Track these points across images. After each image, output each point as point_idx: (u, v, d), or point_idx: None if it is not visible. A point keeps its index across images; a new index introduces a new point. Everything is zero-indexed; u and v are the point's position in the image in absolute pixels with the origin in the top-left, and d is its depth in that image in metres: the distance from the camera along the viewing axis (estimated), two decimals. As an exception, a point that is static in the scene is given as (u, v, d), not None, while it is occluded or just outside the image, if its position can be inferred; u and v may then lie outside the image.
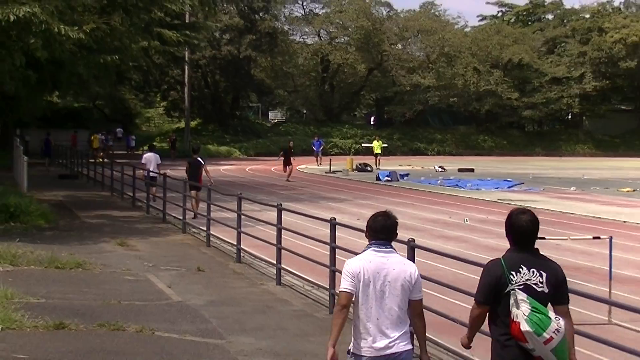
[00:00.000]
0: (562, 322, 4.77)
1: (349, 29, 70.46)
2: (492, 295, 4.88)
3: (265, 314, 10.13)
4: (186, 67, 56.48)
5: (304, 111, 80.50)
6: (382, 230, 5.29)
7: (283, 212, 12.46)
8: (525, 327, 4.70)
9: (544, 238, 8.74)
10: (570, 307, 4.95)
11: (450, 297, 9.81)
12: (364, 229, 5.43)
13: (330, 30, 72.12)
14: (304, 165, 44.58)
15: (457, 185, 32.60)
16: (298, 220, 14.62)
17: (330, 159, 42.84)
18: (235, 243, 14.23)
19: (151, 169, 22.57)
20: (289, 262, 12.25)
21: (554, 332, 4.70)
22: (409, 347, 5.26)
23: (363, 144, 61.55)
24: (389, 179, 34.77)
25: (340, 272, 5.67)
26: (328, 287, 10.30)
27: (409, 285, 5.21)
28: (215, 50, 62.02)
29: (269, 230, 13.86)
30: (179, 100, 62.67)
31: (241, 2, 63.73)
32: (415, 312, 5.29)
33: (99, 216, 20.31)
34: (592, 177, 38.19)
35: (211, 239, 15.97)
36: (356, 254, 5.47)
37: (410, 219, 20.50)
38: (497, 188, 31.23)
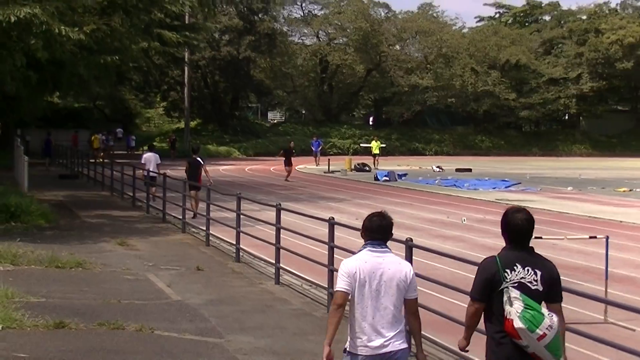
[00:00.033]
0: (555, 318, 4.82)
1: (348, 30, 70.49)
2: (487, 292, 4.93)
3: (264, 313, 10.17)
4: (186, 68, 56.48)
5: (303, 111, 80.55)
6: (377, 230, 5.33)
7: (282, 211, 12.51)
8: (518, 324, 4.76)
9: (540, 237, 8.82)
10: (566, 306, 5.00)
11: (448, 296, 9.87)
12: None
13: (329, 31, 72.17)
14: (303, 165, 44.57)
15: (454, 185, 32.66)
16: (297, 220, 14.65)
17: (329, 159, 42.81)
18: (235, 242, 14.28)
19: (151, 169, 22.64)
20: (288, 262, 12.30)
21: (547, 328, 4.75)
22: (405, 346, 5.30)
23: (361, 144, 61.62)
24: (387, 179, 34.83)
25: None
26: (326, 286, 10.32)
27: (404, 285, 5.26)
28: (215, 51, 62.02)
29: (268, 230, 13.90)
30: (178, 100, 62.68)
31: (240, 4, 63.72)
32: (410, 311, 5.35)
33: (99, 216, 20.36)
34: (588, 177, 38.23)
35: (210, 238, 16.01)
36: (355, 253, 5.52)
37: (408, 218, 20.58)
38: (494, 188, 31.28)
